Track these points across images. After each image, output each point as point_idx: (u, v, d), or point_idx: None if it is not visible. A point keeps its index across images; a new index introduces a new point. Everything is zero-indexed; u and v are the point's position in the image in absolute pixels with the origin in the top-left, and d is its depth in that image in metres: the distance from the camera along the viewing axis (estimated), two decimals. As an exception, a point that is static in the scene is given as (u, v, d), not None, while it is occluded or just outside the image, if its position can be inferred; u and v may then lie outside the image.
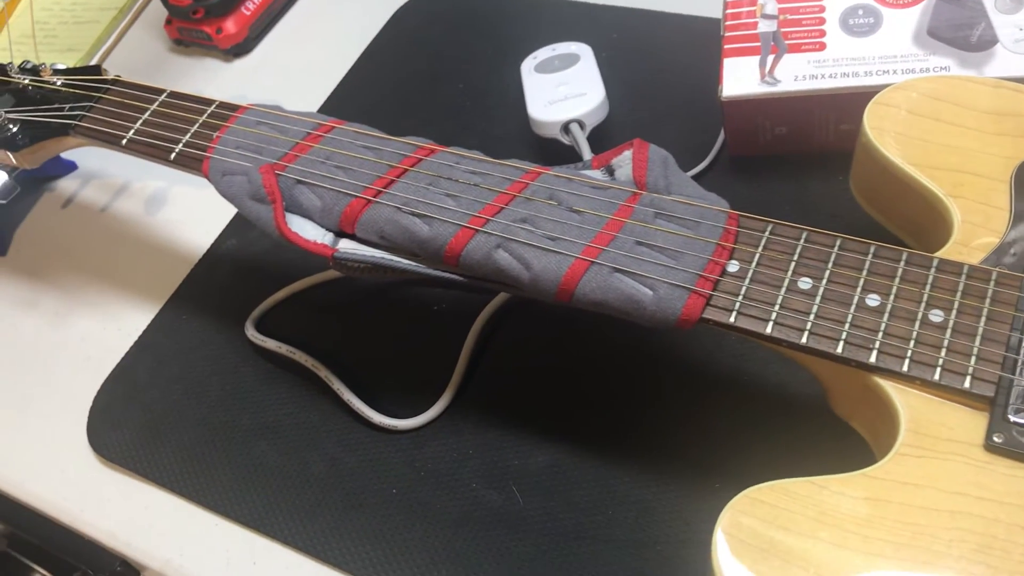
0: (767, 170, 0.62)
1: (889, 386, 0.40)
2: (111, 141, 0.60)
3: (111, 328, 0.70)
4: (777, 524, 0.37)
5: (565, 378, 0.57)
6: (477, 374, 0.59)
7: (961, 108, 0.48)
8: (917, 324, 0.41)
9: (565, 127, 0.65)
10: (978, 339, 0.40)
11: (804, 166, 0.62)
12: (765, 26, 0.60)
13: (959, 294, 0.41)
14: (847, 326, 0.41)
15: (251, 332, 0.64)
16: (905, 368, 0.40)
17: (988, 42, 0.55)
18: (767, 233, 0.45)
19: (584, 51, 0.69)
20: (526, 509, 0.53)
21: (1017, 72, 0.54)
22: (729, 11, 0.61)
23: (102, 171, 0.81)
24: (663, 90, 0.70)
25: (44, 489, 0.63)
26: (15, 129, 0.64)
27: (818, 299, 0.42)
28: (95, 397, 0.65)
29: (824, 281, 0.43)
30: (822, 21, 0.59)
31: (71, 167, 0.82)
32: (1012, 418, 0.38)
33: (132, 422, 0.63)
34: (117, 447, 0.62)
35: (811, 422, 0.51)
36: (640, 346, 0.57)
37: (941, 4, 0.57)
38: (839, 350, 0.41)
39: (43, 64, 0.68)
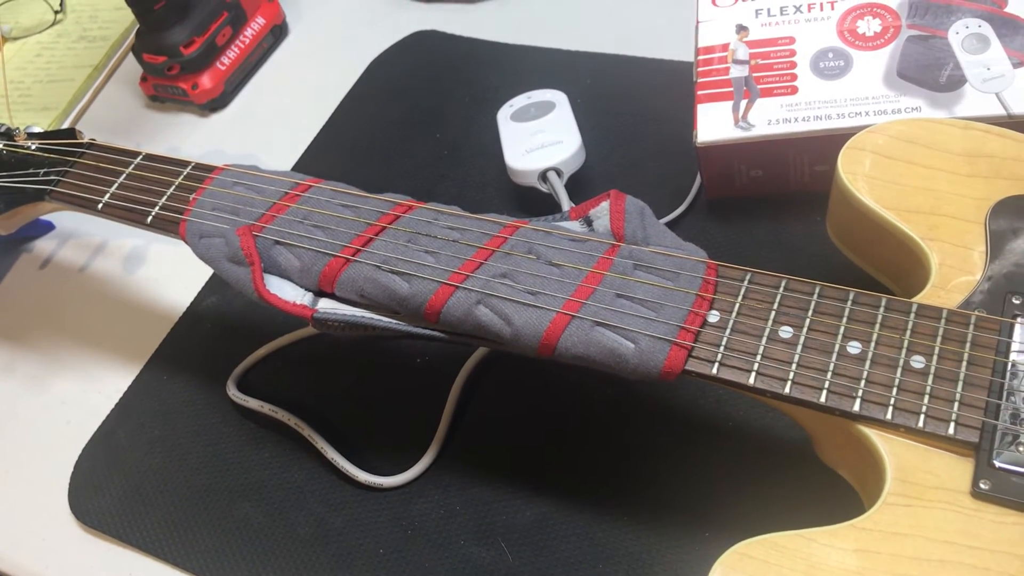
0: (744, 212, 0.63)
1: (874, 434, 0.40)
2: (87, 206, 0.60)
3: (91, 391, 0.69)
4: (767, 580, 0.37)
5: (551, 430, 0.57)
6: (462, 428, 0.59)
7: (933, 150, 0.48)
8: (899, 371, 0.41)
9: (543, 175, 0.65)
10: (960, 384, 0.40)
11: (781, 208, 0.62)
12: (737, 71, 0.61)
13: (939, 339, 0.41)
14: (829, 375, 0.41)
15: (233, 391, 0.64)
16: (889, 416, 0.40)
17: (957, 82, 0.56)
18: (746, 282, 0.45)
19: (559, 98, 0.70)
20: (516, 566, 0.52)
21: (986, 111, 0.54)
22: (701, 57, 0.62)
23: (80, 231, 0.81)
24: (639, 135, 0.70)
25: (25, 558, 0.62)
26: (-10, 195, 0.64)
27: (799, 348, 0.42)
28: (76, 462, 0.64)
29: (805, 329, 0.43)
30: (793, 65, 0.60)
31: (48, 227, 0.82)
32: (997, 464, 0.38)
33: (114, 487, 0.62)
34: (99, 513, 0.61)
35: (797, 467, 0.51)
36: (625, 396, 0.57)
37: (909, 45, 0.58)
38: (822, 399, 0.41)
39: (17, 128, 0.68)
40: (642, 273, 0.46)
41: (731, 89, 0.60)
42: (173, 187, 0.57)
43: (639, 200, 0.50)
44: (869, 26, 0.60)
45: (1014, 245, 0.44)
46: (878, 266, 0.50)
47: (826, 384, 0.41)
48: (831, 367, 0.41)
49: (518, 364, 0.60)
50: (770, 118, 0.58)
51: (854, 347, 0.42)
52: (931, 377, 0.40)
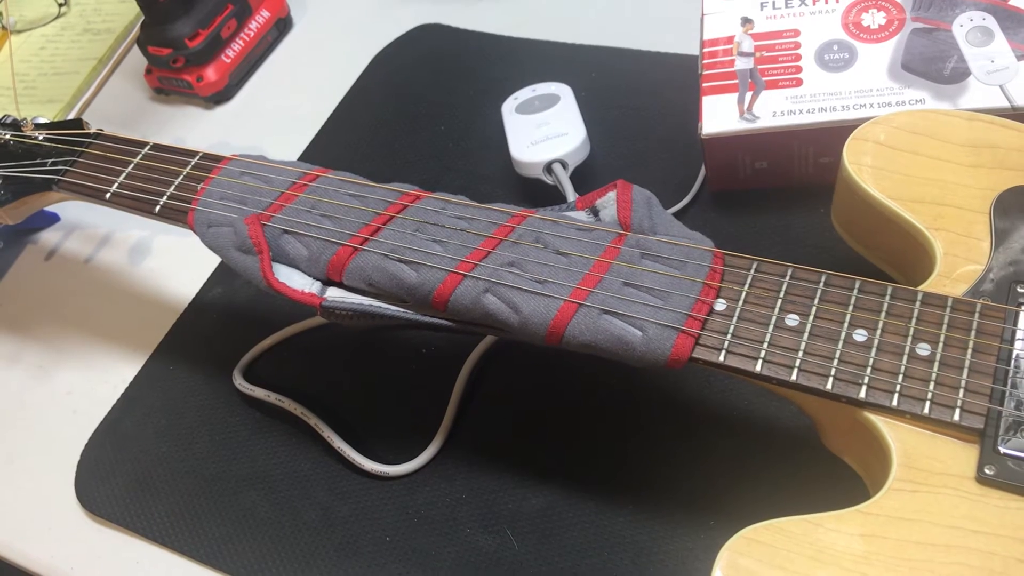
0: (749, 204, 0.63)
1: (879, 421, 0.40)
2: (95, 195, 0.60)
3: (97, 381, 0.69)
4: (775, 564, 0.37)
5: (557, 419, 0.57)
6: (468, 417, 0.59)
7: (938, 141, 0.48)
8: (904, 358, 0.41)
9: (548, 167, 0.65)
10: (965, 371, 0.40)
11: (785, 200, 0.62)
12: (742, 63, 0.61)
13: (944, 327, 0.42)
14: (835, 362, 0.42)
15: (239, 381, 0.64)
16: (894, 403, 0.40)
17: (961, 74, 0.56)
18: (752, 271, 0.45)
19: (564, 91, 0.70)
20: (521, 553, 0.52)
21: (990, 103, 0.55)
22: (706, 49, 0.62)
23: (85, 222, 0.81)
24: (643, 128, 0.70)
25: (32, 547, 0.62)
26: (-3, 185, 0.64)
27: (806, 336, 0.43)
28: (83, 452, 0.65)
29: (811, 317, 0.43)
30: (798, 57, 0.60)
31: (54, 219, 0.82)
32: (1002, 450, 0.38)
33: (121, 476, 0.63)
34: (106, 502, 0.62)
35: (803, 455, 0.51)
36: (630, 385, 0.57)
37: (914, 38, 0.59)
38: (828, 386, 0.41)
39: (24, 119, 0.68)
40: (649, 262, 0.47)
41: (736, 81, 0.60)
42: (181, 177, 0.58)
43: (645, 190, 0.50)
44: (874, 19, 0.60)
45: (1019, 235, 0.44)
46: (883, 256, 0.50)
47: (832, 371, 0.41)
48: (837, 354, 0.42)
49: (524, 353, 0.60)
50: (775, 110, 0.59)
51: (860, 335, 0.42)
52: (936, 364, 0.41)
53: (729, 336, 0.43)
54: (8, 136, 0.67)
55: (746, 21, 0.62)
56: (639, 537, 0.51)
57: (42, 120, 0.69)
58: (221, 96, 0.87)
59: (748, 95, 0.60)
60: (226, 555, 0.57)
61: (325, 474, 0.59)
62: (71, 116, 0.91)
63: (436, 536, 0.54)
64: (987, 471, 0.38)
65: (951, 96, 0.56)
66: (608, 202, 0.51)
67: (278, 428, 0.62)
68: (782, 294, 0.44)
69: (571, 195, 0.64)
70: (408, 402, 0.61)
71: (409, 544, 0.54)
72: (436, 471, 0.57)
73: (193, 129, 0.86)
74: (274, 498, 0.58)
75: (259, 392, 0.63)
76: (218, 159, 0.58)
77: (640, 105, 0.72)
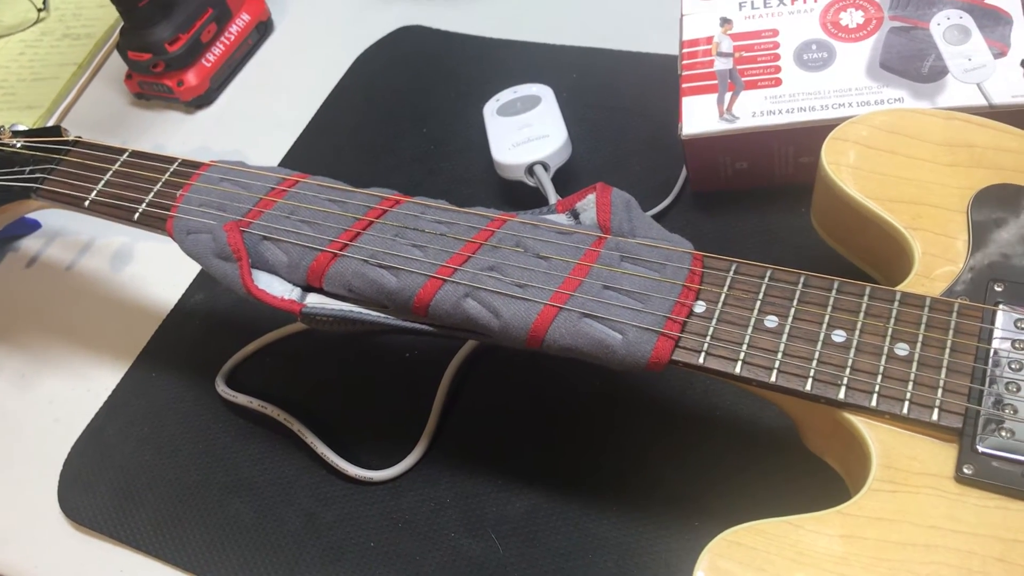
0: (730, 204, 0.63)
1: (859, 421, 0.40)
2: (73, 203, 0.59)
3: (80, 389, 0.69)
4: (755, 566, 0.38)
5: (540, 422, 0.57)
6: (451, 421, 0.59)
7: (915, 140, 0.49)
8: (883, 358, 0.41)
9: (529, 169, 0.65)
10: (944, 371, 0.40)
11: (766, 199, 0.62)
12: (721, 64, 0.61)
13: (923, 327, 0.42)
14: (815, 363, 0.42)
15: (222, 387, 0.64)
16: (873, 403, 0.40)
17: (939, 73, 0.56)
18: (732, 273, 0.45)
19: (545, 92, 0.70)
20: (506, 557, 0.52)
21: (967, 102, 0.55)
22: (685, 50, 0.62)
23: (66, 229, 0.81)
24: (625, 128, 0.70)
25: (15, 557, 0.62)
26: (-25, 193, 0.64)
27: (785, 337, 0.43)
28: (65, 460, 0.64)
29: (790, 319, 0.43)
30: (777, 57, 0.60)
31: (35, 226, 0.81)
32: (980, 449, 0.38)
33: (104, 484, 0.62)
34: (89, 511, 0.61)
35: (784, 455, 0.51)
36: (613, 387, 0.57)
37: (892, 37, 0.59)
38: (808, 387, 0.41)
39: (2, 126, 0.68)
40: (629, 265, 0.47)
41: (715, 82, 0.60)
42: (160, 184, 0.57)
43: (625, 192, 0.50)
44: (852, 18, 0.60)
45: (995, 233, 0.44)
46: (862, 256, 0.50)
47: (811, 372, 0.41)
48: (816, 355, 0.42)
49: (506, 357, 0.60)
50: (754, 110, 0.59)
51: (839, 335, 0.42)
52: (915, 364, 0.41)
53: (708, 338, 0.43)
54: (-14, 144, 0.66)
55: (725, 21, 0.63)
56: (623, 539, 0.51)
57: (20, 127, 0.68)
58: (202, 100, 0.87)
59: (728, 95, 0.60)
60: (210, 562, 0.57)
61: (309, 480, 0.59)
62: (51, 122, 0.90)
63: (420, 541, 0.54)
64: (966, 470, 0.38)
65: (929, 95, 0.56)
66: (588, 205, 0.51)
67: (261, 434, 0.62)
68: (761, 295, 0.44)
69: (553, 197, 0.64)
70: (391, 407, 0.61)
71: (394, 549, 0.54)
72: (420, 476, 0.57)
73: (174, 134, 0.86)
74: (258, 505, 0.58)
75: (242, 399, 0.62)
76: (197, 165, 0.58)
77: (621, 106, 0.72)
